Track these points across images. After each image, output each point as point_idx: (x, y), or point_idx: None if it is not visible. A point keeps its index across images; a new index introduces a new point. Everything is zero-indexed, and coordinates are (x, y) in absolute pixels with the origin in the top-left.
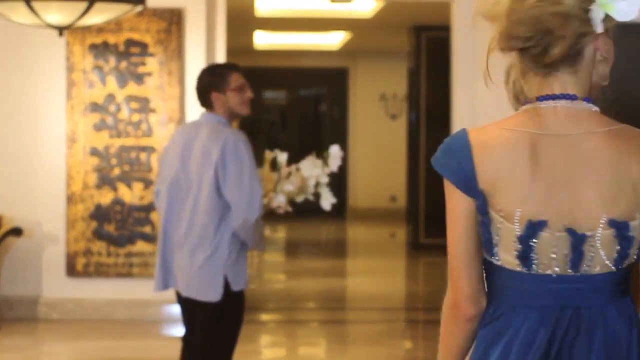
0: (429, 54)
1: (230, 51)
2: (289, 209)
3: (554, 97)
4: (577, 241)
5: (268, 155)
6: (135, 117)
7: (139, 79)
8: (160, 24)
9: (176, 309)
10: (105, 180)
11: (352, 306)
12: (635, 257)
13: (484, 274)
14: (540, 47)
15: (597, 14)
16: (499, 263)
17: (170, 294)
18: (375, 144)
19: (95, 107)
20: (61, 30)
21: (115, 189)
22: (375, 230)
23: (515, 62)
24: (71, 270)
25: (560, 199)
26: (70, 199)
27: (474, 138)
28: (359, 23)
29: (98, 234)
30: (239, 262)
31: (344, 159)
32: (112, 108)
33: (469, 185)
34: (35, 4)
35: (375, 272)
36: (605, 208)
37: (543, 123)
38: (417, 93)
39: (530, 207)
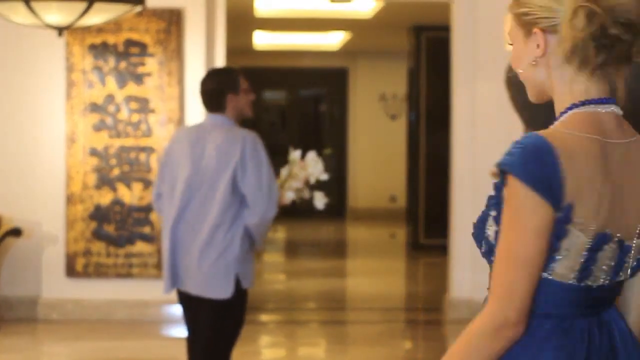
0: (428, 54)
1: (229, 51)
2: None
3: (606, 101)
4: (624, 252)
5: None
6: (135, 118)
7: (139, 79)
8: (160, 24)
9: (176, 310)
10: (104, 181)
11: (352, 306)
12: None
13: None
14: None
15: None
16: (550, 277)
17: (170, 294)
18: (375, 144)
19: (94, 108)
20: (60, 30)
21: (114, 190)
22: (375, 231)
23: (551, 57)
24: (71, 271)
25: (619, 210)
26: (70, 200)
27: (556, 143)
28: (358, 23)
29: (97, 235)
30: (247, 260)
31: (344, 159)
32: (111, 108)
33: (555, 194)
34: (34, 4)
35: (375, 272)
36: (639, 218)
37: (605, 129)
38: (417, 93)
39: (601, 219)
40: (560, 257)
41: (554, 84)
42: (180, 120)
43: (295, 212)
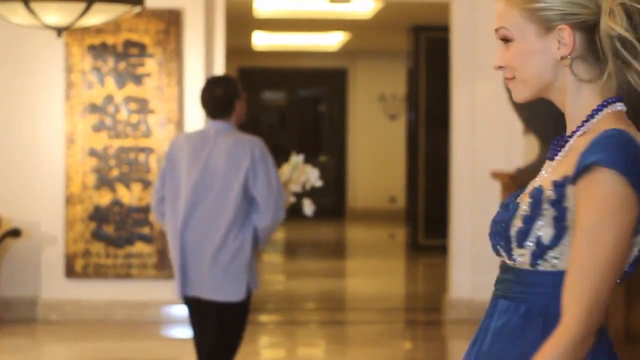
0: (428, 54)
1: (229, 52)
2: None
3: (621, 99)
4: None
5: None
6: (134, 118)
7: (138, 79)
8: (159, 24)
9: (175, 310)
10: (104, 181)
11: (351, 307)
12: None
13: None
14: None
15: None
16: None
17: (169, 295)
18: (374, 145)
19: (94, 108)
20: (60, 31)
21: (114, 190)
22: (375, 231)
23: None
24: (70, 272)
25: None
26: (69, 200)
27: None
28: (358, 23)
29: (97, 235)
30: (254, 261)
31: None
32: (110, 109)
33: None
34: (33, 5)
35: (375, 273)
36: None
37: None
38: (416, 93)
39: None
40: (631, 260)
41: (569, 82)
42: (180, 121)
43: (295, 213)
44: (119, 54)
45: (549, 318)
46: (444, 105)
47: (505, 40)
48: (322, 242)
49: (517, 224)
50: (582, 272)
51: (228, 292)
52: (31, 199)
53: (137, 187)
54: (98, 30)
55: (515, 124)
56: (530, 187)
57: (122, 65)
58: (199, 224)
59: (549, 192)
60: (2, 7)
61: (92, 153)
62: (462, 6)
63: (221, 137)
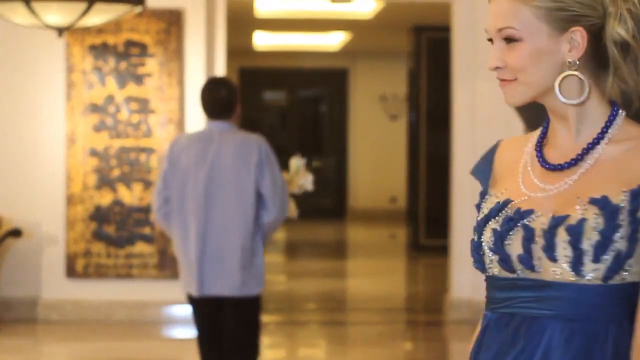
0: (429, 54)
1: (230, 52)
2: None
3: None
4: None
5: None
6: (135, 118)
7: (139, 79)
8: (160, 24)
9: (176, 311)
10: (104, 181)
11: (352, 307)
12: None
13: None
14: None
15: None
16: None
17: (170, 295)
18: (375, 145)
19: (94, 108)
20: (61, 31)
21: (114, 190)
22: (376, 231)
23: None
24: (71, 272)
25: None
26: (70, 200)
27: None
28: (359, 24)
29: (98, 235)
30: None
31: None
32: (111, 109)
33: None
34: (34, 5)
35: (376, 273)
36: None
37: None
38: (417, 94)
39: None
40: None
41: (573, 86)
42: (181, 121)
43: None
44: (120, 54)
45: (619, 332)
46: (444, 105)
47: (509, 40)
48: (322, 242)
49: (592, 237)
50: None
51: (250, 287)
52: (32, 199)
53: (138, 187)
54: (99, 30)
55: (516, 124)
56: (567, 197)
57: (123, 65)
58: (216, 222)
59: (623, 203)
60: (2, 7)
61: (93, 153)
62: (463, 6)
63: (225, 136)
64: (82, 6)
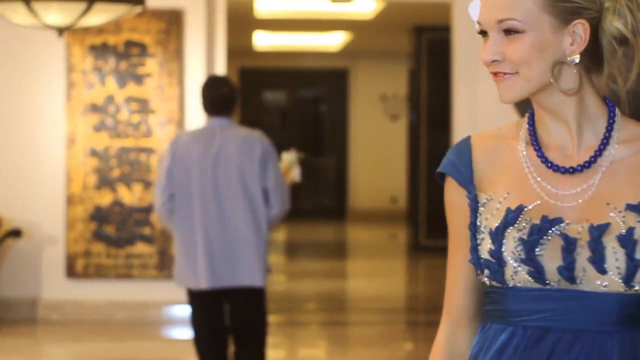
0: (429, 55)
1: (230, 52)
2: None
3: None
4: None
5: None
6: (135, 118)
7: (139, 79)
8: (160, 24)
9: (176, 311)
10: (104, 182)
11: (352, 308)
12: None
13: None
14: None
15: None
16: None
17: (170, 295)
18: (375, 145)
19: (94, 108)
20: (61, 31)
21: (114, 190)
22: (376, 232)
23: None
24: (71, 272)
25: None
26: (70, 200)
27: None
28: (359, 24)
29: (98, 236)
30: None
31: (345, 160)
32: (111, 109)
33: None
34: (34, 5)
35: (376, 273)
36: None
37: None
38: (417, 94)
39: None
40: None
41: (572, 81)
42: (181, 121)
43: (295, 213)
44: (120, 54)
45: None
46: (445, 105)
47: (509, 32)
48: (323, 243)
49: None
50: None
51: (257, 277)
52: (32, 199)
53: (138, 188)
54: (99, 30)
55: None
56: (589, 205)
57: (123, 65)
58: (223, 215)
59: None
60: (3, 6)
61: (93, 153)
62: (464, 7)
63: (227, 131)
64: (82, 6)
